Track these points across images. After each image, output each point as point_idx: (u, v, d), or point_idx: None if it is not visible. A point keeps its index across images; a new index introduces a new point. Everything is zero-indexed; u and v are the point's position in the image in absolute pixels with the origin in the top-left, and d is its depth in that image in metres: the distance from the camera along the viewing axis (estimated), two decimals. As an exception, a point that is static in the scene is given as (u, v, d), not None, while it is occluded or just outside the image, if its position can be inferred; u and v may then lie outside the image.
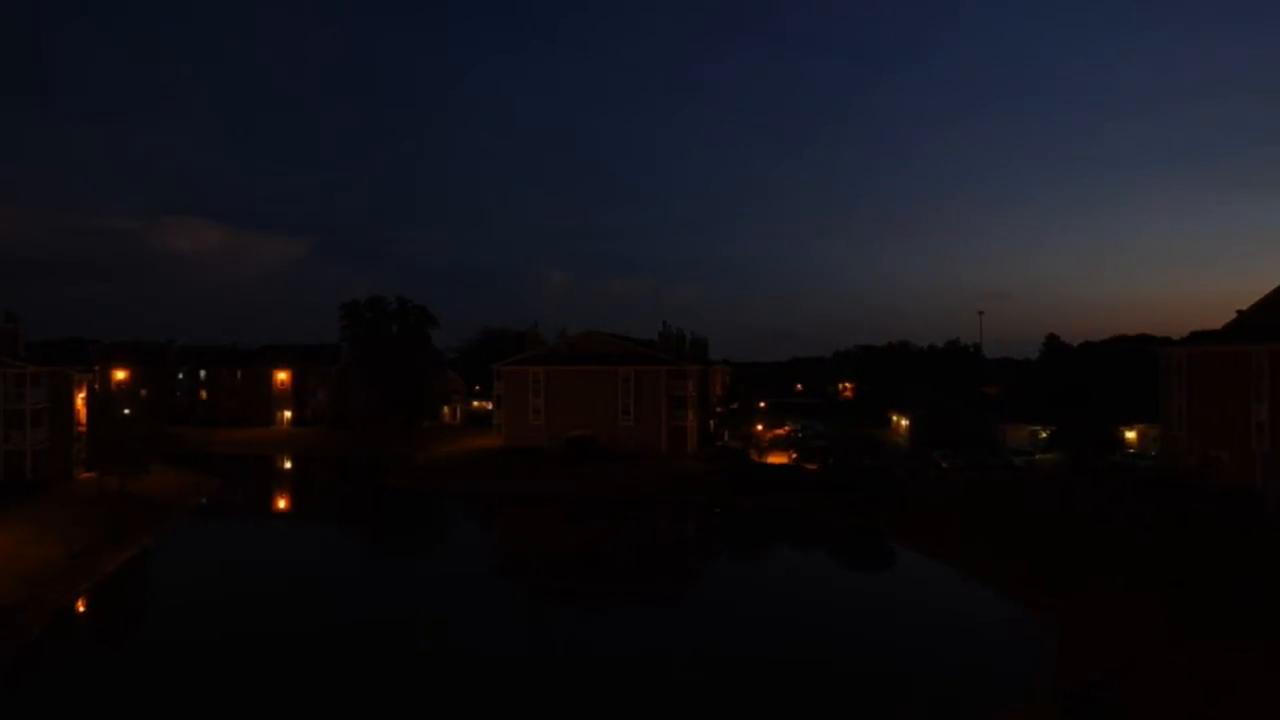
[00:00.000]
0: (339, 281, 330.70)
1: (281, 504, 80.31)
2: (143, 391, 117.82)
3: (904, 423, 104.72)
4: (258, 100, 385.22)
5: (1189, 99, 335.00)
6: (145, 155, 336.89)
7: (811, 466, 76.45)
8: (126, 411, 77.17)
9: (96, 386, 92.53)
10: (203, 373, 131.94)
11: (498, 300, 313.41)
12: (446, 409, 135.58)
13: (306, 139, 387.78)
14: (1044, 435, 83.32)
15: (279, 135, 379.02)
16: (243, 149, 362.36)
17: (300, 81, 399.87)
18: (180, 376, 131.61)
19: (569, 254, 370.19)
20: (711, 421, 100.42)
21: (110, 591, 44.66)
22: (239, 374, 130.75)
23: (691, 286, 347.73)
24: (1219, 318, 68.93)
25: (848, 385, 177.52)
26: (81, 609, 41.77)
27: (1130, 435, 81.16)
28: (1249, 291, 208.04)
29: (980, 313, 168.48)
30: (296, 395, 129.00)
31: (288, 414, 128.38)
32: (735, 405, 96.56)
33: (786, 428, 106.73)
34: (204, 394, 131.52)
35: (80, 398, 74.74)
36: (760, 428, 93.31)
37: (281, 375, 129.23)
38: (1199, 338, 66.49)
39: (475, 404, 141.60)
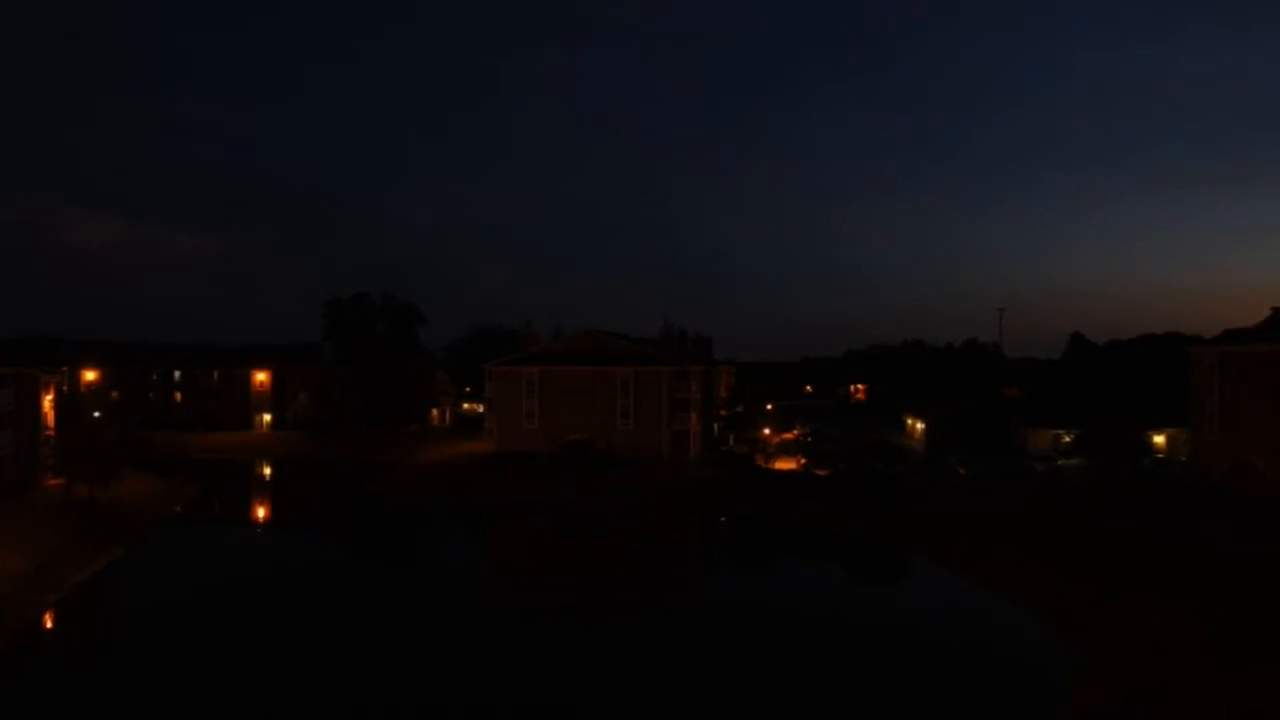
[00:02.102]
0: (266, 278, 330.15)
1: (260, 513, 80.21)
2: (114, 393, 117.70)
3: (919, 426, 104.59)
4: (178, 88, 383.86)
5: (1216, 91, 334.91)
6: (52, 143, 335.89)
7: (822, 473, 76.34)
8: (97, 414, 77.05)
9: (65, 388, 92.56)
10: (177, 373, 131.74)
11: (444, 295, 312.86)
12: (435, 411, 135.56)
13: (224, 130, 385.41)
14: (1067, 439, 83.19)
15: (198, 127, 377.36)
16: (153, 137, 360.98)
17: (227, 75, 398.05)
18: (154, 377, 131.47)
19: (518, 250, 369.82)
20: (716, 425, 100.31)
21: (78, 606, 44.51)
22: (216, 375, 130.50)
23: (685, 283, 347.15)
24: (1251, 314, 68.74)
25: (860, 387, 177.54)
26: (49, 623, 41.67)
27: (1159, 439, 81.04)
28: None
29: (1000, 310, 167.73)
30: (277, 397, 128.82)
31: (267, 417, 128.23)
32: (741, 408, 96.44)
33: (795, 431, 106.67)
34: (179, 396, 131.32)
35: (48, 400, 74.67)
36: (767, 431, 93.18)
37: (261, 376, 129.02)
38: (1232, 336, 66.36)
39: (466, 406, 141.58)
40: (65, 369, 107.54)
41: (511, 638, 39.07)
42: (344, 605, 44.10)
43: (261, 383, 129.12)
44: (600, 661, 35.96)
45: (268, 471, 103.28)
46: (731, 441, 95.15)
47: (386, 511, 74.94)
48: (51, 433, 73.87)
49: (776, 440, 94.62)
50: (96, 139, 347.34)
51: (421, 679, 33.17)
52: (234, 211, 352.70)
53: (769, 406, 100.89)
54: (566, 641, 39.18)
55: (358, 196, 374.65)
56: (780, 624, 41.13)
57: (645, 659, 36.06)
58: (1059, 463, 78.14)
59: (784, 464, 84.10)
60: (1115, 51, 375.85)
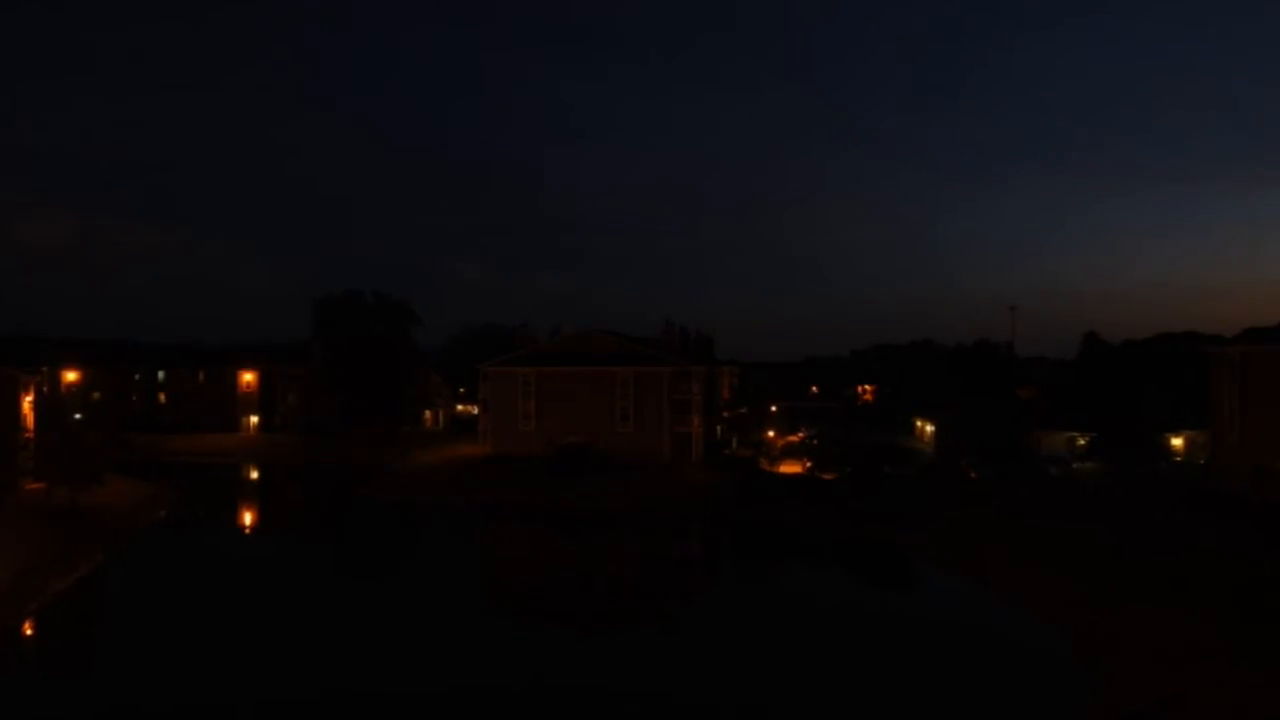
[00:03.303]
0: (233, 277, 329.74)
1: (247, 518, 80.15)
2: (96, 394, 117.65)
3: (929, 429, 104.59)
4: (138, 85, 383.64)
5: (1225, 88, 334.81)
6: (26, 136, 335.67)
7: (828, 476, 76.26)
8: (78, 416, 76.94)
9: (45, 389, 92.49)
10: (161, 374, 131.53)
11: (441, 294, 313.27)
12: (428, 413, 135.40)
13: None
14: (1082, 442, 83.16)
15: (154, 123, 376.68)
16: (113, 131, 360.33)
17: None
18: (137, 378, 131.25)
19: (516, 249, 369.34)
20: (719, 427, 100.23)
21: (60, 614, 44.44)
22: (201, 375, 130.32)
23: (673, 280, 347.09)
24: (1273, 312, 68.67)
25: (867, 388, 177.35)
26: (29, 632, 41.64)
27: (1177, 442, 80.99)
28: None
29: (1012, 308, 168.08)
30: (264, 398, 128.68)
31: (255, 419, 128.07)
32: (744, 409, 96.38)
33: (800, 433, 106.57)
34: (163, 397, 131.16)
35: (27, 401, 74.50)
36: (772, 434, 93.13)
37: (248, 377, 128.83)
38: (1252, 336, 66.28)
39: (460, 408, 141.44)
40: (45, 369, 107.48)
41: (506, 646, 38.95)
42: (333, 614, 43.96)
43: (249, 383, 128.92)
44: (598, 670, 35.90)
45: (255, 475, 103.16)
46: (735, 444, 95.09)
47: (378, 516, 74.81)
48: (30, 435, 73.69)
49: (781, 443, 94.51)
50: (74, 132, 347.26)
51: (415, 684, 33.11)
52: (222, 207, 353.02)
53: (773, 408, 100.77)
54: (564, 649, 39.05)
55: (348, 193, 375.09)
56: (785, 630, 41.05)
57: (644, 667, 35.99)
58: (1074, 466, 78.11)
59: (789, 467, 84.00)
60: (1124, 47, 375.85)
